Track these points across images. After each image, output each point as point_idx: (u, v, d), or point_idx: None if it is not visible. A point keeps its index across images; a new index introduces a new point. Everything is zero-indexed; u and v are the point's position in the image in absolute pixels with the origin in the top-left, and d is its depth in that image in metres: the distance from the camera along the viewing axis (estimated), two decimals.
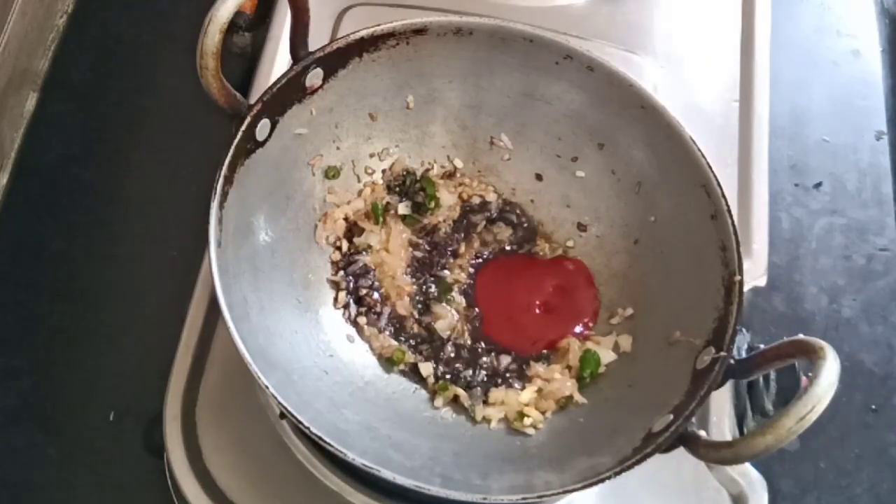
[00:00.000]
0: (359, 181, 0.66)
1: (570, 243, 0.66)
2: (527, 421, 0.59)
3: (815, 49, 0.94)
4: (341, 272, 0.63)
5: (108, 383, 0.71)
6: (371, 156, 0.66)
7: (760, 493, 0.67)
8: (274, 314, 0.57)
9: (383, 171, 0.67)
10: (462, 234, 0.66)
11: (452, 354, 0.62)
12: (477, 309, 0.64)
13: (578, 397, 0.60)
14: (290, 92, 0.59)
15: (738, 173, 0.79)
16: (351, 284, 0.63)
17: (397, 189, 0.66)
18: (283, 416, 0.62)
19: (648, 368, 0.58)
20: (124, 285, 0.75)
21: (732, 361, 0.52)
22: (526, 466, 0.56)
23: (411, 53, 0.62)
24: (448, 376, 0.61)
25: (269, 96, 0.56)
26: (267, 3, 0.84)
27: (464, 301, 0.64)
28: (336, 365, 0.60)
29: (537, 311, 0.64)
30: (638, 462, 0.49)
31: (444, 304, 0.64)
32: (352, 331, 0.62)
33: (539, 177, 0.67)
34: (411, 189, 0.66)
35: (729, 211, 0.56)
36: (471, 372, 0.61)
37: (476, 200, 0.67)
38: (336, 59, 0.60)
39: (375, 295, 0.63)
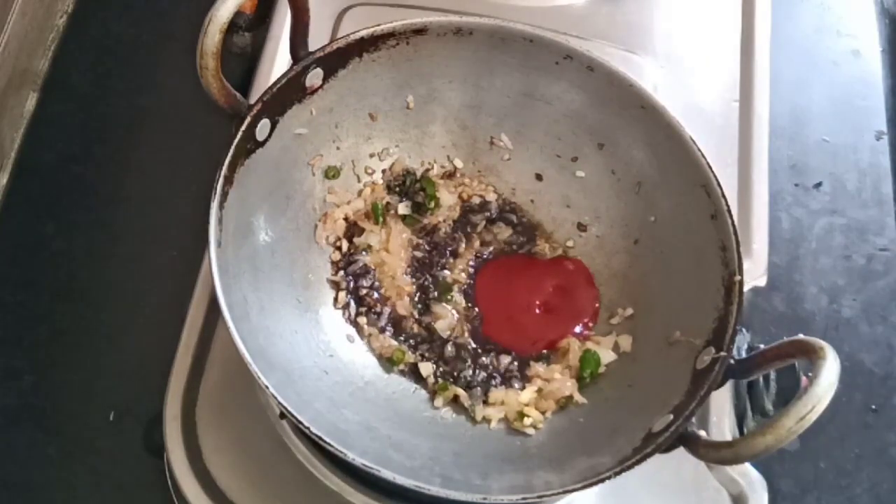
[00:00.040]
0: (359, 181, 0.66)
1: (570, 243, 0.66)
2: (527, 421, 0.59)
3: (815, 49, 0.94)
4: (341, 272, 0.63)
5: (108, 383, 0.71)
6: (371, 156, 0.66)
7: (760, 493, 0.67)
8: (274, 314, 0.57)
9: (383, 171, 0.67)
10: (462, 234, 0.66)
11: (452, 354, 0.62)
12: (477, 309, 0.64)
13: (578, 397, 0.60)
14: (290, 92, 0.59)
15: (738, 173, 0.79)
16: (351, 284, 0.63)
17: (397, 189, 0.66)
18: (283, 416, 0.62)
19: (648, 368, 0.58)
20: (124, 285, 0.75)
21: (732, 361, 0.52)
22: (526, 466, 0.56)
23: (411, 53, 0.62)
24: (448, 376, 0.61)
25: (269, 96, 0.56)
26: (267, 3, 0.84)
27: (464, 301, 0.64)
28: (336, 365, 0.60)
29: (537, 311, 0.64)
30: (638, 462, 0.49)
31: (444, 303, 0.64)
32: (352, 331, 0.62)
33: (539, 177, 0.67)
34: (411, 189, 0.66)
35: (729, 211, 0.56)
36: (471, 372, 0.61)
37: (476, 200, 0.67)
38: (336, 59, 0.60)
39: (375, 295, 0.63)
